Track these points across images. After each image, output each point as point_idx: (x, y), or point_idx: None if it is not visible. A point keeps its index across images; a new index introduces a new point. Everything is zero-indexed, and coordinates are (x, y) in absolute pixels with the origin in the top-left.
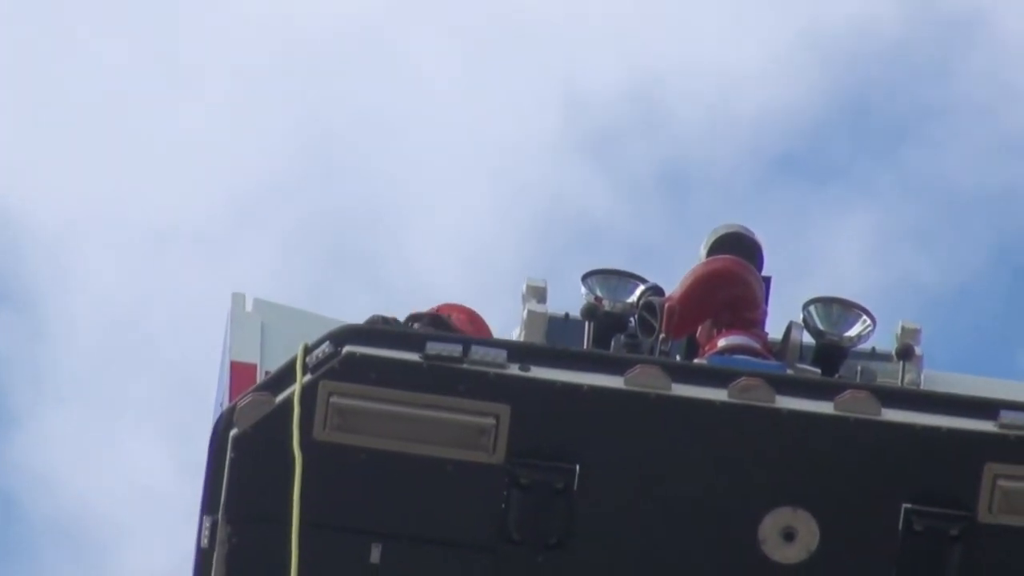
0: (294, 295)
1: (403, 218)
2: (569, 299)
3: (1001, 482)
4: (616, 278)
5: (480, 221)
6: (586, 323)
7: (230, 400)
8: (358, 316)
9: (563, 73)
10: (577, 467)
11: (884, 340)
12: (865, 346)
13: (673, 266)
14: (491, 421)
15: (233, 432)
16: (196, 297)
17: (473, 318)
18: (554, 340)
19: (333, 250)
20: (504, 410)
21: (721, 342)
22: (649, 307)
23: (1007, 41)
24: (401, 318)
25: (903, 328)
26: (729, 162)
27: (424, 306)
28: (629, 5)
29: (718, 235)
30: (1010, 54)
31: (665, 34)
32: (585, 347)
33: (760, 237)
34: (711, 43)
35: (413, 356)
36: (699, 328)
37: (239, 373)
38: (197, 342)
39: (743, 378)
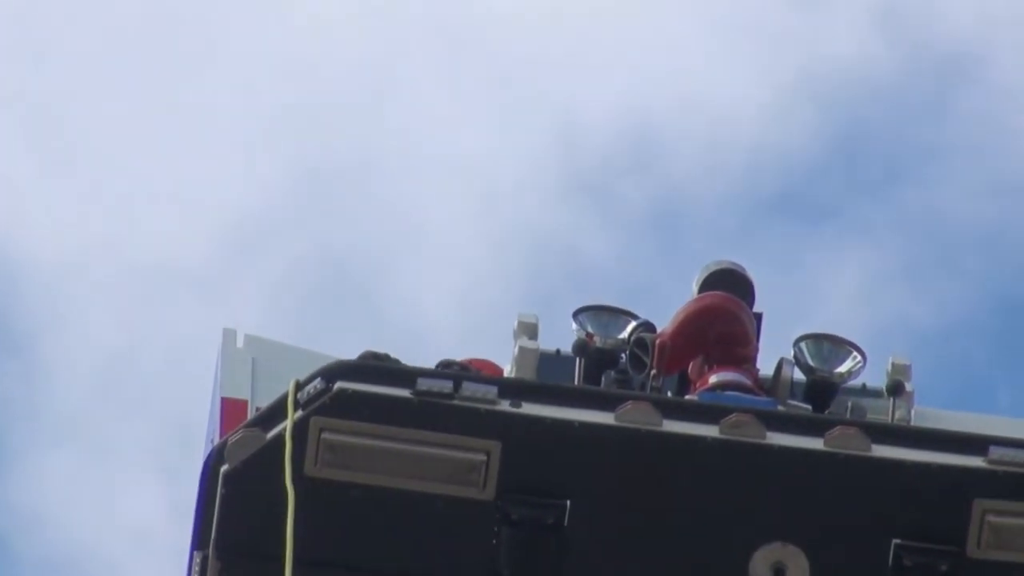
0: (287, 333)
1: (395, 255)
2: (560, 335)
3: (990, 518)
4: (607, 314)
5: (473, 258)
6: (577, 359)
7: (221, 436)
8: (350, 353)
9: (558, 111)
10: (568, 503)
11: (875, 377)
12: (856, 382)
13: (665, 303)
14: (482, 457)
15: (224, 468)
16: (190, 336)
17: (498, 372)
18: (545, 376)
19: (326, 287)
20: (495, 446)
21: (712, 378)
22: (640, 343)
23: (1001, 81)
24: (393, 355)
25: (893, 364)
26: (722, 201)
27: (416, 341)
28: (624, 44)
29: (710, 271)
30: (1004, 94)
31: (660, 73)
32: (576, 383)
33: (752, 274)
34: (705, 82)
35: (404, 392)
36: (690, 364)
37: (230, 409)
38: (190, 381)
39: (734, 414)
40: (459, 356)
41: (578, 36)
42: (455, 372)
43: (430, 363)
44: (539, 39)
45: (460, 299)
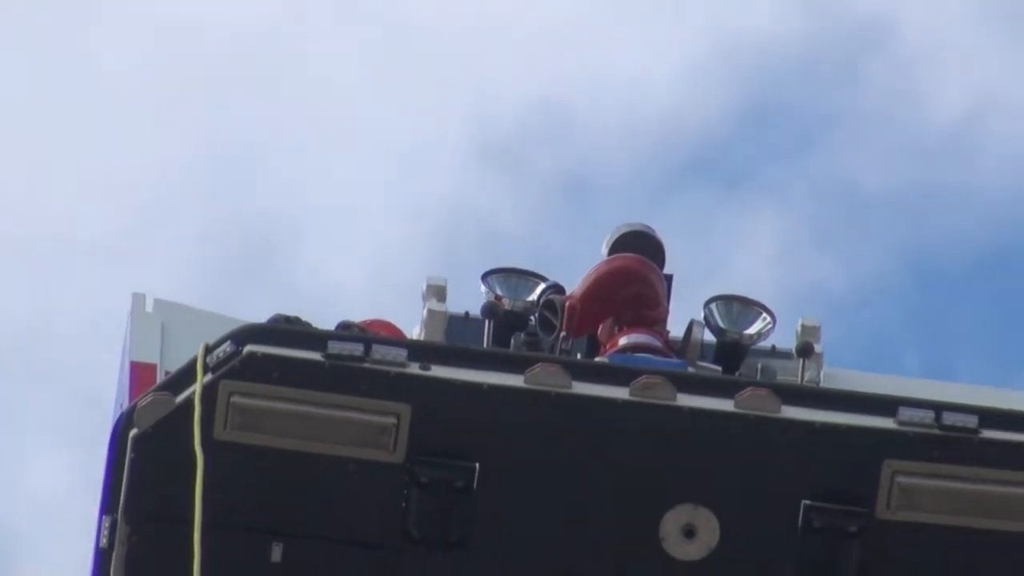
0: (197, 299)
1: (305, 222)
2: (470, 298)
3: (900, 479)
4: (516, 277)
5: (383, 224)
6: (486, 322)
7: (130, 400)
8: (260, 318)
9: (470, 80)
10: (477, 465)
11: (785, 338)
12: (765, 344)
13: (576, 268)
14: (392, 420)
15: (133, 432)
16: (98, 307)
17: (397, 333)
18: (454, 339)
19: (236, 255)
20: (405, 409)
21: (622, 340)
22: (549, 305)
23: (909, 48)
24: (304, 319)
25: (803, 326)
26: (634, 169)
27: (326, 307)
28: (538, 14)
29: (620, 233)
30: (913, 61)
31: (572, 42)
32: (485, 346)
33: (662, 236)
34: (618, 51)
35: (314, 355)
36: (600, 326)
37: (139, 373)
38: (101, 349)
39: (644, 376)
40: (367, 319)
41: (490, 4)
42: (365, 335)
43: None
44: (451, 7)
45: (370, 264)
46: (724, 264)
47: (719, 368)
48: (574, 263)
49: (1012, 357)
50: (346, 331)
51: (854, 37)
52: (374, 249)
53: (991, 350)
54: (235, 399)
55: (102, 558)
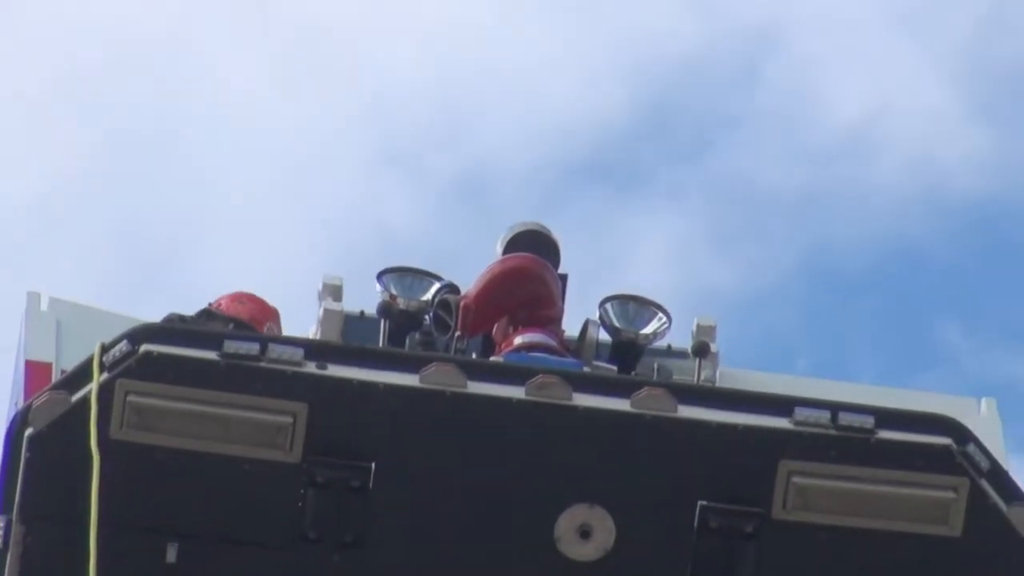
0: (94, 298)
1: (202, 222)
2: (365, 297)
3: (795, 479)
4: (411, 276)
5: (281, 226)
6: (382, 321)
7: (25, 399)
8: (157, 316)
9: (368, 81)
10: (373, 465)
11: (681, 338)
12: (661, 343)
13: (473, 269)
14: (288, 419)
15: (28, 431)
16: None
17: (263, 307)
18: (350, 338)
19: (132, 254)
20: (301, 408)
21: (517, 339)
22: (444, 305)
23: (805, 50)
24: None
25: (699, 325)
26: (532, 170)
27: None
28: (437, 14)
29: (514, 232)
30: (809, 63)
31: (470, 43)
32: (381, 345)
33: (557, 235)
34: (516, 52)
35: (210, 354)
36: (495, 326)
37: (34, 372)
38: None
39: (539, 375)
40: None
41: (387, 5)
42: (262, 334)
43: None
44: (349, 9)
45: (267, 265)
46: (620, 264)
47: (615, 368)
48: (470, 262)
49: (907, 357)
50: (210, 317)
51: (751, 39)
52: (272, 250)
53: (886, 350)
54: (131, 398)
55: None
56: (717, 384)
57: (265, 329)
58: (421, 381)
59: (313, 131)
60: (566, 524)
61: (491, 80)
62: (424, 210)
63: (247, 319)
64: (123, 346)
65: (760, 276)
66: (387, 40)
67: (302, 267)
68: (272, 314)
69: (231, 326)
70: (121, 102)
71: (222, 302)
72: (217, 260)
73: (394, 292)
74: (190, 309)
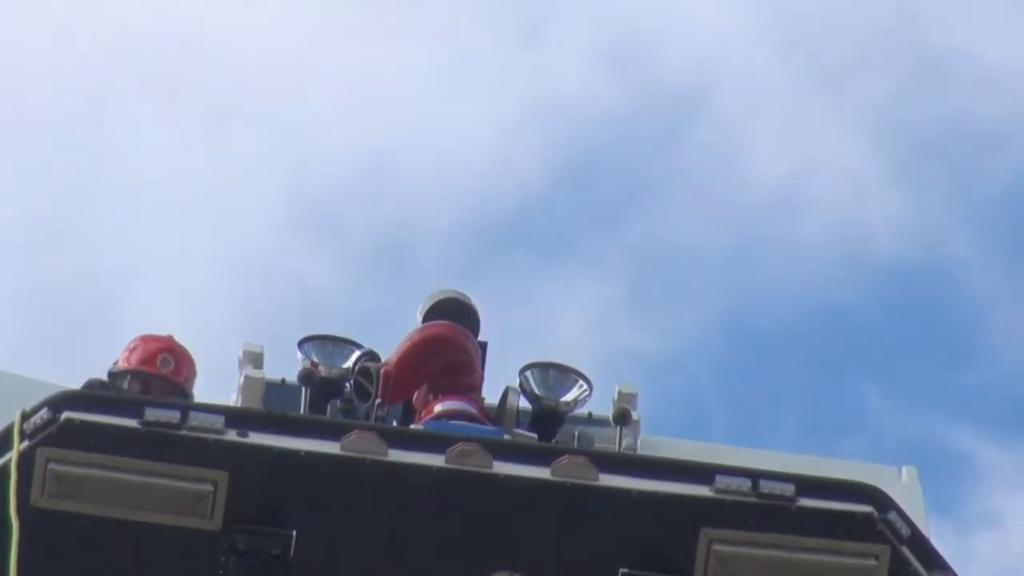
0: (12, 362)
1: (124, 288)
2: (286, 365)
3: (717, 547)
4: (332, 344)
5: (200, 288)
6: (303, 389)
7: None
8: (77, 383)
9: (289, 144)
10: (294, 533)
11: (602, 405)
12: (582, 411)
13: (393, 334)
14: (209, 487)
15: None
16: None
17: (171, 347)
18: (271, 406)
19: (52, 318)
20: (222, 476)
21: (437, 407)
22: (365, 372)
23: (727, 112)
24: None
25: (620, 393)
26: (451, 233)
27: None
28: (355, 75)
29: (434, 300)
30: (729, 125)
31: (390, 105)
32: (302, 412)
33: (476, 303)
34: (436, 115)
35: (131, 422)
36: (416, 393)
37: None
38: None
39: (460, 443)
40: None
41: (307, 67)
42: (182, 402)
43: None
44: (272, 71)
45: (187, 329)
46: (541, 331)
47: (535, 436)
48: (390, 327)
49: (826, 419)
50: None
51: (672, 101)
52: (192, 316)
53: (806, 413)
54: (52, 466)
55: None
56: (638, 452)
57: (158, 362)
58: (342, 449)
59: (233, 195)
60: None
61: (411, 143)
62: (345, 274)
63: (136, 366)
64: (44, 413)
65: (681, 339)
66: (308, 103)
67: (223, 334)
68: (156, 351)
69: (129, 378)
70: (38, 164)
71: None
72: (136, 325)
73: (315, 360)
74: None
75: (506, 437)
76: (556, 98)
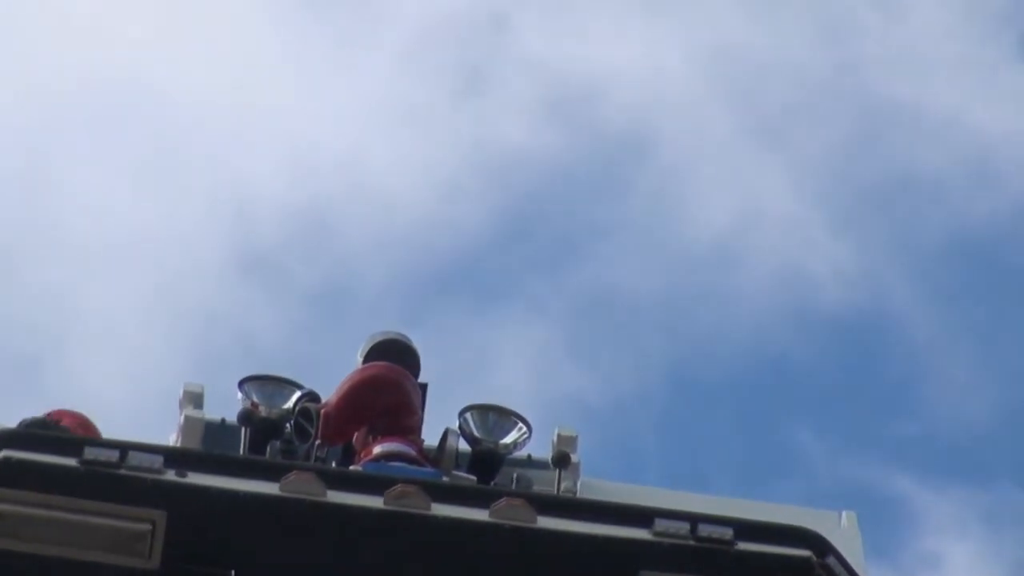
0: None
1: (64, 331)
2: (227, 405)
3: None
4: (273, 384)
5: (142, 334)
6: (243, 429)
7: None
8: (12, 422)
9: (230, 191)
10: (232, 573)
11: (542, 448)
12: (522, 454)
13: (333, 376)
14: (147, 527)
15: None
16: None
17: (84, 423)
18: (211, 446)
19: None
20: (160, 516)
21: (377, 449)
22: (305, 413)
23: (669, 160)
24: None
25: (559, 435)
26: (392, 277)
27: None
28: (295, 122)
29: (375, 341)
30: (671, 172)
31: (331, 151)
32: (241, 453)
33: (417, 344)
34: (378, 161)
35: (71, 461)
36: (355, 434)
37: None
38: None
39: (399, 485)
40: (126, 430)
41: (247, 115)
42: (122, 442)
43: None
44: (213, 120)
45: (128, 372)
46: (480, 373)
47: (474, 478)
48: (330, 371)
49: (764, 464)
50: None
51: (614, 149)
52: (132, 357)
53: (744, 457)
54: None
55: None
56: (578, 495)
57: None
58: (281, 489)
59: (174, 239)
60: None
61: (352, 191)
62: (286, 319)
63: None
64: None
65: (621, 384)
66: (249, 151)
67: (163, 374)
68: (74, 425)
69: None
70: None
71: (63, 419)
72: (76, 365)
73: (255, 400)
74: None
75: (445, 479)
76: (498, 146)
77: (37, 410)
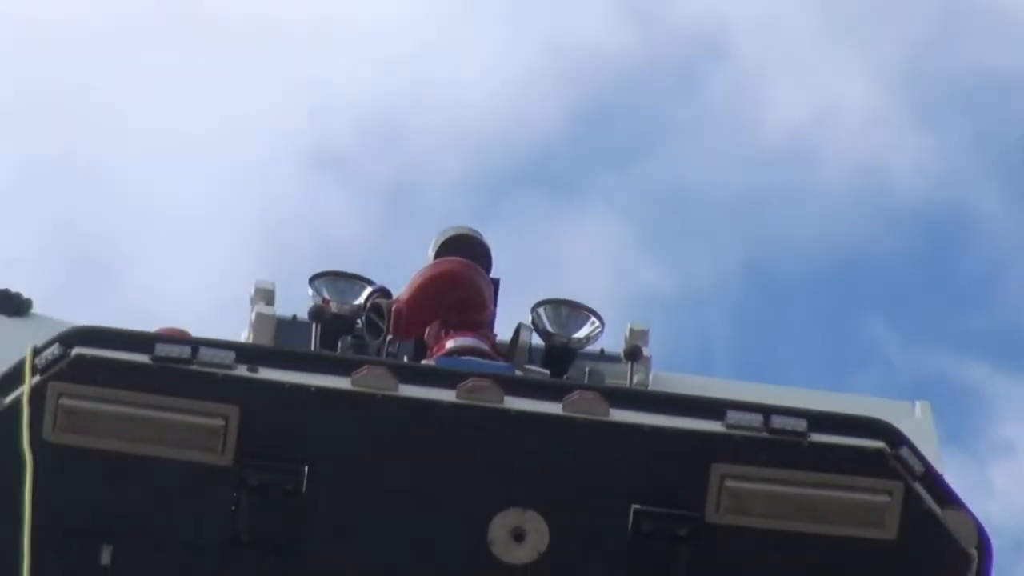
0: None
1: (138, 227)
2: (297, 302)
3: (728, 482)
4: (343, 280)
5: (215, 232)
6: (313, 325)
7: None
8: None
9: (303, 88)
10: (306, 468)
11: (613, 342)
12: (594, 348)
13: (404, 272)
14: (220, 422)
15: None
16: None
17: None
18: (282, 342)
19: (69, 257)
20: (233, 411)
21: (449, 343)
22: (376, 309)
23: (745, 57)
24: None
25: (631, 330)
26: (464, 173)
27: (159, 313)
28: (373, 23)
29: (446, 236)
30: (748, 69)
31: (407, 52)
32: (312, 349)
33: (488, 240)
34: (452, 58)
35: (142, 358)
36: (427, 330)
37: None
38: None
39: (471, 379)
40: (199, 328)
41: (325, 11)
42: (193, 338)
43: None
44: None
45: (200, 269)
46: (553, 268)
47: (547, 372)
48: (402, 267)
49: (840, 360)
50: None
51: (689, 46)
52: (205, 255)
53: (819, 351)
54: (63, 401)
55: None
56: (650, 388)
57: None
58: (353, 384)
59: (247, 136)
60: (499, 527)
61: (426, 87)
62: (358, 215)
63: None
64: (55, 349)
65: (695, 279)
66: (323, 47)
67: (235, 272)
68: None
69: None
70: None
71: None
72: (152, 265)
73: (326, 296)
74: (125, 316)
75: (517, 373)
76: (572, 41)
77: (113, 306)
